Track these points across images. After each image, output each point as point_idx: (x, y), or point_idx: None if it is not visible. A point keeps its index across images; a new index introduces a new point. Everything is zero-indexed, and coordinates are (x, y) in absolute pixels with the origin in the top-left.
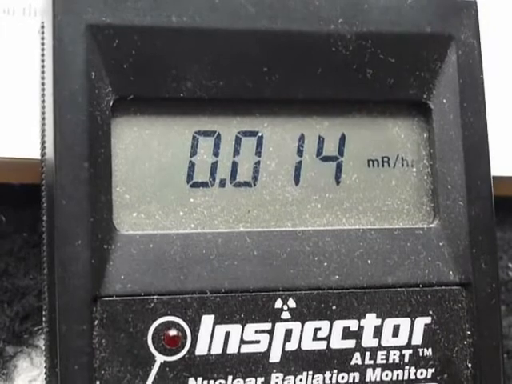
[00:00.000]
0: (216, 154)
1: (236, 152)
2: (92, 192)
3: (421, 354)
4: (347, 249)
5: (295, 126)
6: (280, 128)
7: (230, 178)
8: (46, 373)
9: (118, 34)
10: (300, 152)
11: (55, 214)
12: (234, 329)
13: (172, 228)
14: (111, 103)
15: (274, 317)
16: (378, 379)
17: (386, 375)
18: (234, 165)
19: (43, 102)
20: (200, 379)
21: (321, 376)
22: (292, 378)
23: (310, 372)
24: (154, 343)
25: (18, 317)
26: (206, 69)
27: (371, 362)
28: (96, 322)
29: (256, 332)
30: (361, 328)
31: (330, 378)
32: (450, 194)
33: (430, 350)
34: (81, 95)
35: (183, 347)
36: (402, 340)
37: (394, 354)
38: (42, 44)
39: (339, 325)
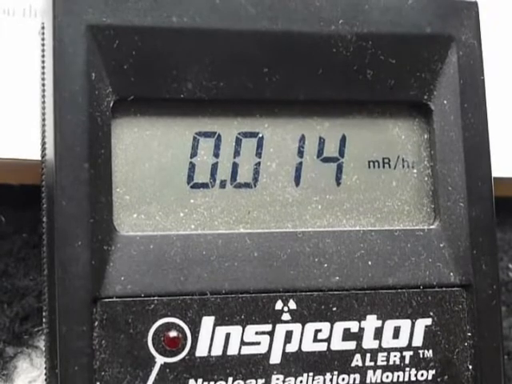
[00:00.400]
0: (216, 154)
1: (236, 153)
2: (92, 193)
3: (421, 356)
4: (348, 250)
5: (296, 126)
6: (280, 129)
7: (230, 179)
8: (45, 374)
9: (119, 34)
10: (300, 153)
11: (55, 215)
12: (235, 330)
13: (172, 229)
14: (111, 104)
15: (275, 318)
16: (379, 381)
17: (387, 377)
18: (235, 166)
19: (43, 102)
20: (200, 381)
21: (321, 377)
22: (292, 379)
23: (311, 373)
24: (154, 344)
25: (17, 317)
26: (207, 69)
27: (372, 363)
28: (96, 323)
29: (256, 333)
30: (361, 329)
31: (331, 380)
32: (451, 195)
33: (430, 351)
34: (81, 96)
35: (183, 348)
36: (402, 341)
37: (395, 356)
38: (43, 45)
39: (340, 326)
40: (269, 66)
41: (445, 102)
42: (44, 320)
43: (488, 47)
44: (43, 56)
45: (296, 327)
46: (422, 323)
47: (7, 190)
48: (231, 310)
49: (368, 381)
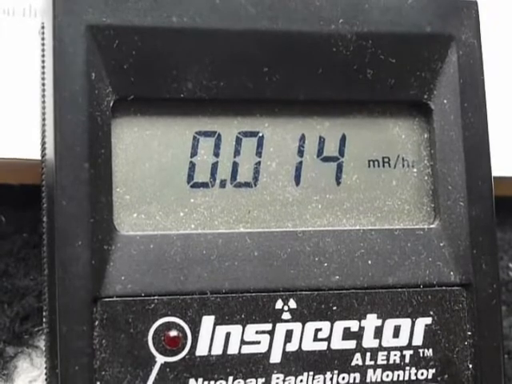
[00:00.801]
0: (216, 154)
1: (236, 152)
2: (92, 192)
3: (421, 355)
4: (348, 249)
5: (296, 126)
6: (281, 128)
7: (230, 179)
8: (46, 373)
9: (119, 34)
10: (300, 152)
11: (55, 215)
12: (235, 329)
13: (172, 228)
14: (111, 104)
15: (275, 317)
16: (379, 380)
17: (387, 376)
18: (235, 165)
19: (43, 102)
20: (200, 380)
21: (321, 377)
22: (293, 378)
23: (311, 373)
24: (154, 344)
25: (18, 317)
26: (207, 69)
27: (372, 362)
28: (96, 323)
29: (256, 333)
30: (361, 328)
31: (331, 379)
32: (451, 194)
33: (430, 350)
34: (81, 96)
35: (184, 348)
36: (402, 340)
37: (395, 355)
38: (43, 45)
39: (340, 325)
40: (269, 65)
41: (445, 101)
42: (44, 320)
43: (488, 47)
44: (43, 56)
45: (296, 326)
46: (422, 322)
47: (7, 189)
48: (231, 310)
49: (368, 380)
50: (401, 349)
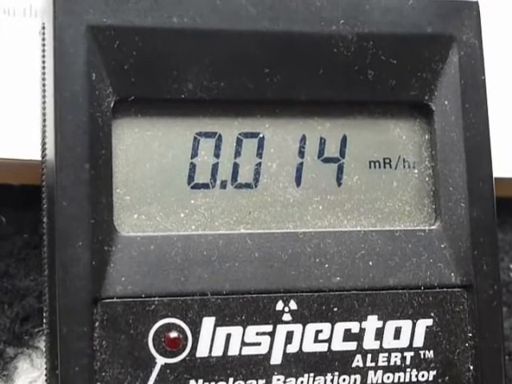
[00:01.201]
0: (217, 155)
1: (237, 153)
2: (93, 193)
3: (422, 356)
4: (348, 250)
5: (296, 127)
6: (281, 129)
7: (231, 180)
8: (46, 374)
9: (119, 35)
10: (301, 153)
11: (56, 216)
12: (235, 331)
13: (173, 229)
14: (112, 104)
15: (275, 319)
16: (380, 381)
17: (388, 377)
18: (235, 166)
19: (44, 103)
20: (201, 381)
21: (322, 378)
22: (293, 380)
23: (312, 374)
24: (154, 345)
25: (18, 318)
26: (207, 70)
27: (373, 364)
28: (97, 324)
29: (257, 334)
30: (362, 330)
31: (332, 381)
32: (452, 195)
33: (431, 352)
34: (81, 96)
35: (184, 349)
36: (403, 342)
37: (396, 357)
38: (43, 45)
39: (340, 327)
40: (270, 66)
41: (446, 102)
42: (44, 320)
43: (489, 47)
44: (44, 56)
45: (297, 328)
46: (423, 324)
47: (8, 190)
48: (232, 311)
49: (369, 381)
50: (401, 350)
